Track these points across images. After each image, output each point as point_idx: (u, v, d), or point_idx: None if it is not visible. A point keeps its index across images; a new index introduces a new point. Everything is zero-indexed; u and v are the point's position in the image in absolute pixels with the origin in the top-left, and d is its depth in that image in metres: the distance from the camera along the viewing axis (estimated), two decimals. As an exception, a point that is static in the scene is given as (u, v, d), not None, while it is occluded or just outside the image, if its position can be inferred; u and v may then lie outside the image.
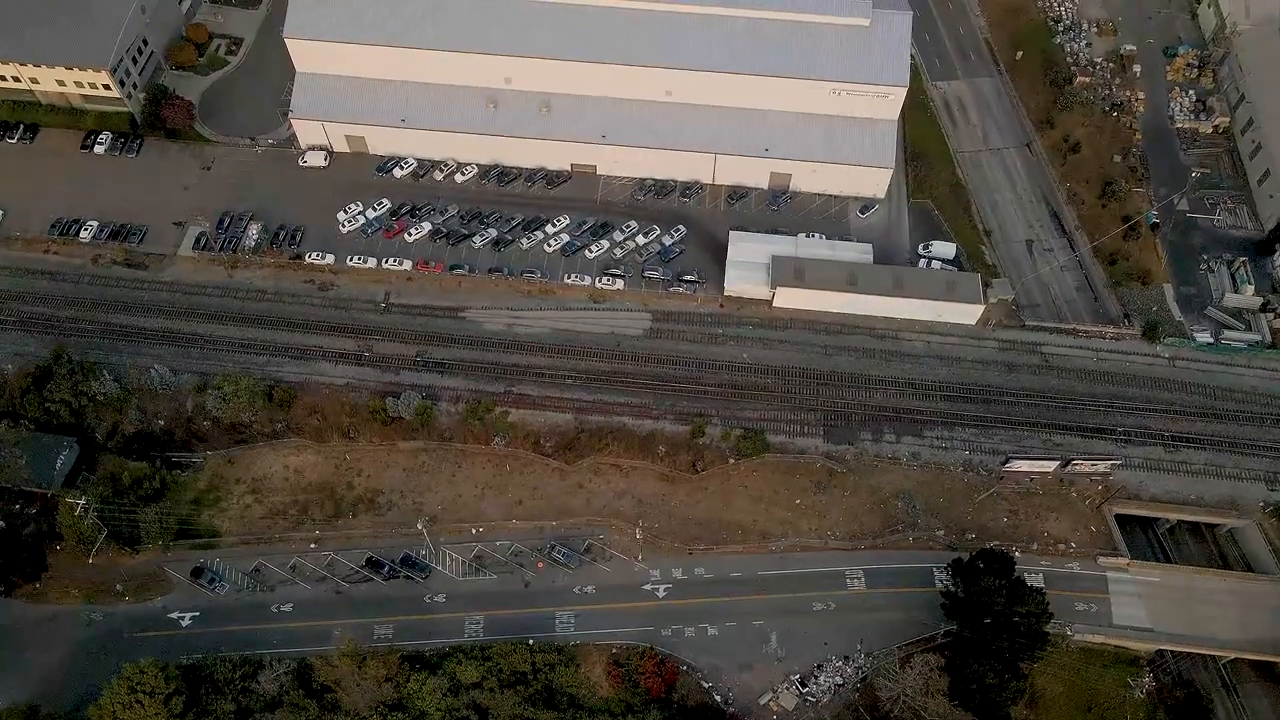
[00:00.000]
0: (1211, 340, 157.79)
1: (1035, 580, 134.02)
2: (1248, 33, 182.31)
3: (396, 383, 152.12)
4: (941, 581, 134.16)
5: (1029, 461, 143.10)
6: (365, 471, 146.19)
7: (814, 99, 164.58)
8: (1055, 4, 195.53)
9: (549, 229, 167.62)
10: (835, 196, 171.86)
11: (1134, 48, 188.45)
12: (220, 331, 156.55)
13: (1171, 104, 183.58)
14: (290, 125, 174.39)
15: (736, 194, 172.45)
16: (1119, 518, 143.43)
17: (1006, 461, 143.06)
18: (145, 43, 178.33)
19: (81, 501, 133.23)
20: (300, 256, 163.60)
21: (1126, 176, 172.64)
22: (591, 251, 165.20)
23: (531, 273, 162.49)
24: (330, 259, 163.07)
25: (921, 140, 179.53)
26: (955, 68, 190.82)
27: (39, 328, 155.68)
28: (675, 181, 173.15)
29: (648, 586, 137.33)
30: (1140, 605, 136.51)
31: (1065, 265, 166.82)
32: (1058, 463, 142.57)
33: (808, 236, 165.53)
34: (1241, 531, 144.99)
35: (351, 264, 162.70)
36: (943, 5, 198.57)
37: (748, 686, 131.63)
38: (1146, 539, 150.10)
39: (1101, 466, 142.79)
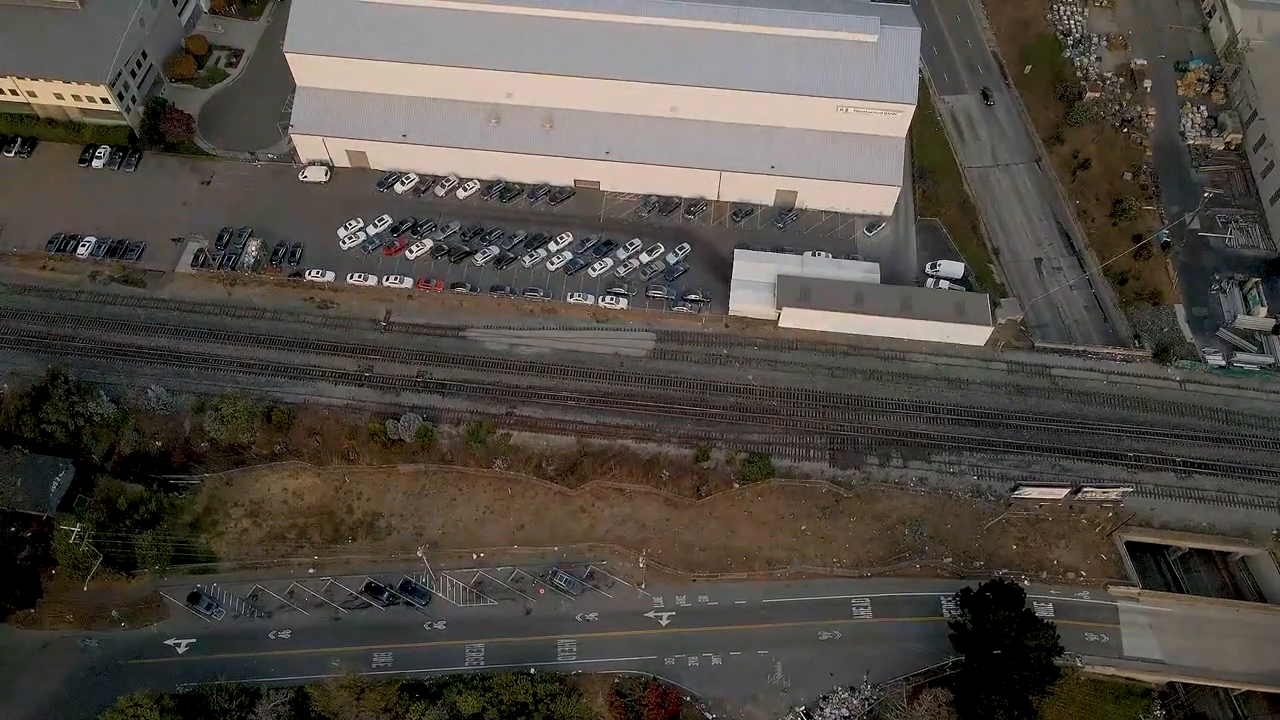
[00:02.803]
0: (1223, 363, 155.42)
1: (1045, 610, 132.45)
2: (1260, 48, 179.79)
3: (397, 404, 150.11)
4: (950, 612, 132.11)
5: (1039, 488, 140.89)
6: (365, 495, 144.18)
7: (821, 116, 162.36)
8: (1065, 17, 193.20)
9: (552, 246, 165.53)
10: (842, 214, 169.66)
11: (1145, 62, 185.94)
12: (219, 351, 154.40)
13: (1183, 120, 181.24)
14: (290, 140, 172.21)
15: (742, 211, 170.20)
16: (1130, 545, 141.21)
17: (1016, 488, 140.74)
18: (144, 55, 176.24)
19: (76, 529, 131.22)
20: (300, 274, 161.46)
21: (1137, 194, 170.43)
22: (595, 270, 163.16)
23: (534, 291, 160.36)
24: (330, 276, 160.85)
25: (929, 156, 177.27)
26: (963, 82, 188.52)
27: (35, 346, 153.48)
28: (680, 198, 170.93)
29: (651, 614, 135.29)
30: (1151, 636, 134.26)
31: (1075, 285, 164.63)
32: (1068, 490, 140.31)
33: (814, 255, 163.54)
34: (1254, 560, 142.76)
35: (352, 281, 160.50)
36: (951, 18, 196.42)
37: (752, 718, 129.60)
38: (1158, 567, 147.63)
39: (1113, 494, 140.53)
